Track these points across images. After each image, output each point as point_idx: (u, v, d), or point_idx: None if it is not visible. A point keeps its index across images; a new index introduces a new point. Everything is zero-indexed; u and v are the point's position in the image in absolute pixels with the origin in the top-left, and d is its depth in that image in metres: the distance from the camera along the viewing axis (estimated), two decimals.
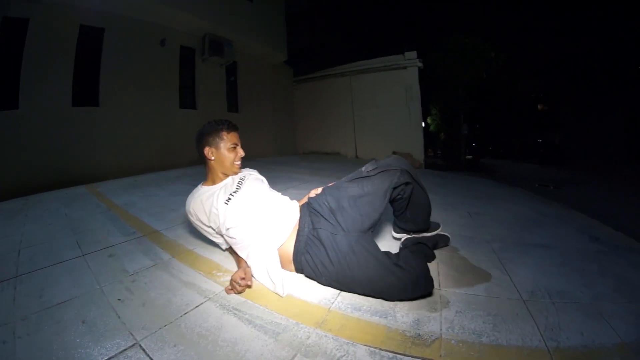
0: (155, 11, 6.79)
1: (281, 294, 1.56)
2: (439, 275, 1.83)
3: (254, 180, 1.93)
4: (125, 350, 1.19)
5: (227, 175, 1.89)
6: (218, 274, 1.84)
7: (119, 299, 1.56)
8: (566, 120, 22.88)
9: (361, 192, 1.62)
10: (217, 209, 1.72)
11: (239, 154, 1.87)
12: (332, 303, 1.53)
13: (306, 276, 1.70)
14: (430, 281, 1.49)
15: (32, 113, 5.33)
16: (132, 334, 1.28)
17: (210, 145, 1.82)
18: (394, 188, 1.65)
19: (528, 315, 1.45)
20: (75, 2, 5.74)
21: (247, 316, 1.42)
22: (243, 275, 1.56)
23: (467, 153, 14.82)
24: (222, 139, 1.82)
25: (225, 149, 1.82)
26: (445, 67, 12.57)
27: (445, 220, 2.99)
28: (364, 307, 1.49)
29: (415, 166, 9.66)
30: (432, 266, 1.91)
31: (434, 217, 2.51)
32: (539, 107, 27.18)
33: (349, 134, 11.52)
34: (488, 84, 13.61)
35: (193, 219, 1.83)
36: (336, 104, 11.74)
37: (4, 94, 5.15)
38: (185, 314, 1.44)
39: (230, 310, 1.46)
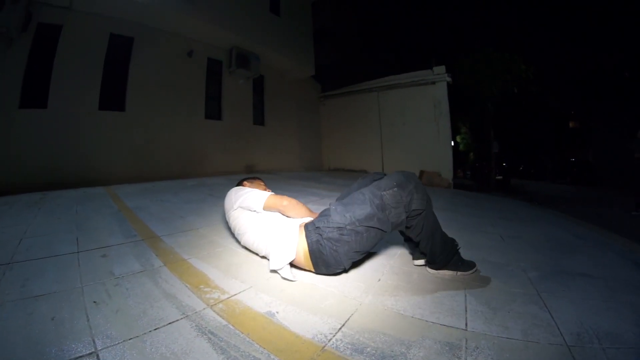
0: (184, 24, 6.94)
1: (277, 267, 1.77)
2: (466, 311, 1.55)
3: None
4: (81, 357, 1.08)
5: None
6: (205, 289, 1.65)
7: (94, 302, 1.45)
8: (600, 137, 21.77)
9: (356, 185, 2.14)
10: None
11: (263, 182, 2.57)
12: (329, 340, 1.26)
13: (316, 225, 1.80)
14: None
15: (60, 113, 5.51)
16: (94, 341, 1.16)
17: (247, 181, 2.50)
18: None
19: None
20: (107, 11, 5.95)
21: (222, 343, 1.20)
22: None
23: (497, 173, 14.19)
24: (254, 181, 2.54)
25: (255, 182, 2.51)
26: (474, 81, 12.21)
27: (474, 243, 2.78)
28: (368, 349, 1.21)
29: (444, 186, 9.30)
30: (459, 301, 1.66)
31: (462, 240, 2.28)
32: (571, 124, 26.13)
33: (376, 150, 11.27)
34: (518, 99, 13.12)
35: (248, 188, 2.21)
36: (363, 120, 11.55)
37: (35, 93, 5.34)
38: (155, 329, 1.25)
39: (206, 334, 1.26)
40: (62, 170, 5.39)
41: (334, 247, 1.72)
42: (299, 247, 1.78)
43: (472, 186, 13.80)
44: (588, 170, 19.21)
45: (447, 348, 1.24)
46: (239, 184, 2.43)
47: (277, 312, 1.46)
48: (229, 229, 2.64)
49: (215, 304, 1.49)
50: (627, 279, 2.12)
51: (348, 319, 1.43)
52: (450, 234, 2.27)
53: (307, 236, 1.78)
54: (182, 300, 1.51)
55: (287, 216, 2.03)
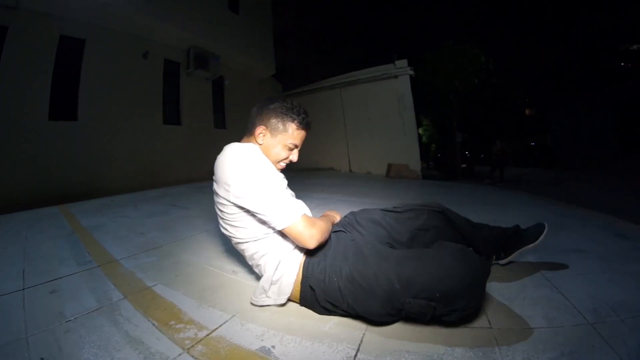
0: (139, 23, 6.52)
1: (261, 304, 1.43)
2: (483, 307, 1.43)
3: None
4: None
5: None
6: (177, 325, 1.32)
7: (42, 359, 1.11)
8: (555, 121, 23.16)
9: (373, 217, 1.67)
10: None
11: (290, 158, 1.54)
12: None
13: (311, 286, 1.36)
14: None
15: (5, 125, 4.98)
16: None
17: (267, 127, 1.47)
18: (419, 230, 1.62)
19: (605, 345, 1.15)
20: (57, 11, 5.47)
21: None
22: None
23: (461, 162, 14.61)
24: (286, 129, 1.47)
25: (281, 143, 1.47)
26: (436, 74, 12.41)
27: None
28: None
29: (413, 177, 9.34)
30: None
31: None
32: (527, 112, 27.62)
33: (342, 147, 11.18)
34: (479, 90, 13.57)
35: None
36: (327, 118, 11.37)
37: None
38: None
39: None
40: (12, 190, 4.86)
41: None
42: (294, 288, 1.40)
43: (438, 176, 14.11)
44: (549, 153, 20.17)
45: (480, 354, 1.12)
46: (254, 119, 1.49)
47: (274, 347, 1.18)
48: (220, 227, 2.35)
49: (193, 346, 1.18)
50: (615, 250, 2.26)
51: (361, 340, 1.22)
52: None
53: (302, 286, 1.38)
54: (150, 345, 1.19)
55: None
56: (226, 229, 1.48)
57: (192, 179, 7.22)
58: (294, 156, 1.54)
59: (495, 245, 1.78)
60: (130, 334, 1.27)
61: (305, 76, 12.44)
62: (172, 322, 1.35)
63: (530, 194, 5.81)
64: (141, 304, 1.52)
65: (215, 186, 1.44)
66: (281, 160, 1.51)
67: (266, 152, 1.45)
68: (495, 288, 1.63)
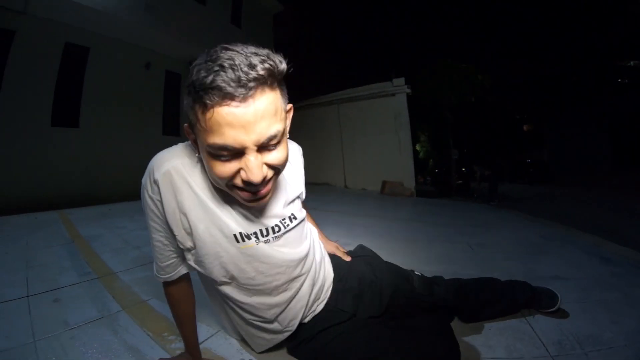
0: (142, 34, 6.72)
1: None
2: None
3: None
4: None
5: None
6: (169, 337, 1.43)
7: None
8: (552, 137, 23.51)
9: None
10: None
11: (241, 174, 0.76)
12: None
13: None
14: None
15: (9, 129, 5.14)
16: None
17: (188, 123, 0.81)
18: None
19: None
20: (63, 18, 5.64)
21: None
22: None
23: (457, 178, 14.81)
24: (194, 115, 0.73)
25: (203, 148, 0.76)
26: (432, 91, 12.62)
27: (444, 256, 2.82)
28: None
29: (407, 195, 9.49)
30: None
31: (432, 253, 2.18)
32: (525, 127, 27.98)
33: (338, 163, 11.33)
34: (475, 107, 13.80)
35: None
36: (324, 133, 11.63)
37: None
38: None
39: None
40: (12, 192, 5.00)
41: None
42: None
43: (434, 192, 14.25)
44: (544, 169, 20.37)
45: None
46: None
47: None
48: None
49: None
50: (596, 276, 2.26)
51: None
52: (418, 247, 2.15)
53: None
54: (146, 353, 1.30)
55: None
56: None
57: None
58: (249, 170, 0.73)
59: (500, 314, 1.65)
60: (128, 342, 1.39)
61: (303, 92, 12.63)
62: (165, 334, 1.46)
63: (520, 213, 5.89)
64: (138, 316, 1.63)
65: None
66: (229, 180, 0.77)
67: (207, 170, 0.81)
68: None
